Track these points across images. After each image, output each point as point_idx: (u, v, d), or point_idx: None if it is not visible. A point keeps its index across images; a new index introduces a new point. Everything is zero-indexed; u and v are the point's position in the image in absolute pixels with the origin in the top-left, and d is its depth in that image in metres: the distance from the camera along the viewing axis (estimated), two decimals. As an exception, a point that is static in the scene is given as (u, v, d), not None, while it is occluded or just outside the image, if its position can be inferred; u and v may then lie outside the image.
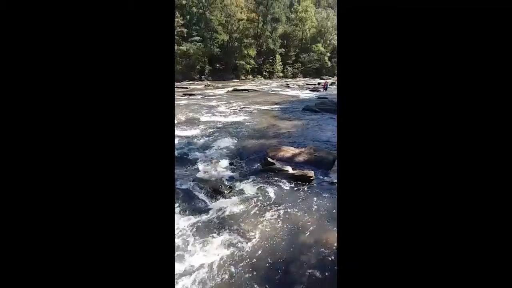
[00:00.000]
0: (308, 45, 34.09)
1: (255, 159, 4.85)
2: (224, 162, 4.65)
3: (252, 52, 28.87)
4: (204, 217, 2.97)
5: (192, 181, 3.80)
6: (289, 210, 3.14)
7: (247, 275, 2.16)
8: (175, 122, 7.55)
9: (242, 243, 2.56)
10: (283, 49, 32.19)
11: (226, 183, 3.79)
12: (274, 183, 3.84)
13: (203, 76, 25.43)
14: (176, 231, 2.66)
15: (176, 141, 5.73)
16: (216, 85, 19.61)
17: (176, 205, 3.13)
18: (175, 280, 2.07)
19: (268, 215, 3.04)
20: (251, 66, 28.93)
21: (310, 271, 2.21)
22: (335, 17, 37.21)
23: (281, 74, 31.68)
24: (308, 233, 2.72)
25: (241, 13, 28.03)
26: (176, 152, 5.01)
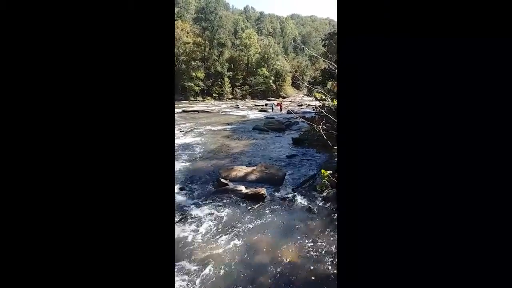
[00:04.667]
0: (254, 69, 36.32)
1: (207, 181, 4.75)
2: (175, 188, 4.43)
3: (201, 74, 29.06)
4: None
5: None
6: (243, 231, 3.15)
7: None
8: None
9: (196, 274, 2.43)
10: (230, 72, 33.42)
11: (176, 211, 3.59)
12: (228, 204, 3.82)
13: (148, 98, 24.02)
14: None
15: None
16: (163, 107, 18.77)
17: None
18: None
19: (222, 239, 2.98)
20: (200, 88, 28.94)
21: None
22: (276, 44, 41.03)
23: (230, 96, 32.56)
24: (263, 252, 2.76)
25: (187, 37, 28.34)
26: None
